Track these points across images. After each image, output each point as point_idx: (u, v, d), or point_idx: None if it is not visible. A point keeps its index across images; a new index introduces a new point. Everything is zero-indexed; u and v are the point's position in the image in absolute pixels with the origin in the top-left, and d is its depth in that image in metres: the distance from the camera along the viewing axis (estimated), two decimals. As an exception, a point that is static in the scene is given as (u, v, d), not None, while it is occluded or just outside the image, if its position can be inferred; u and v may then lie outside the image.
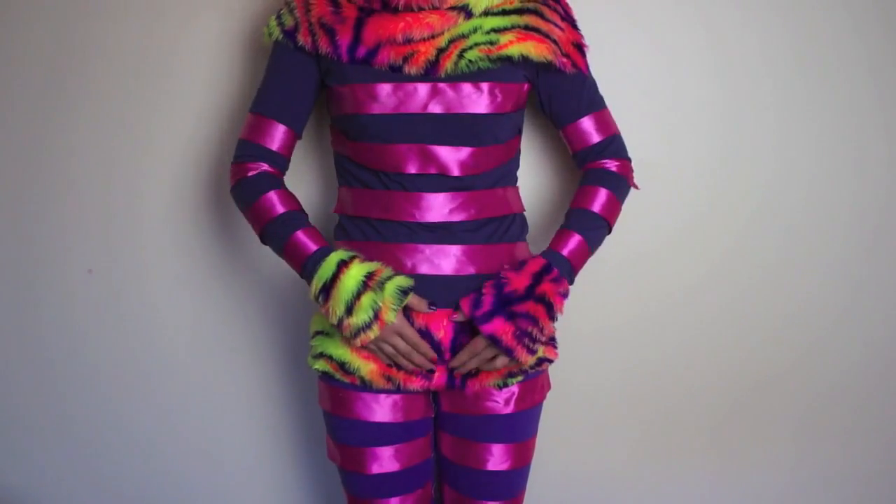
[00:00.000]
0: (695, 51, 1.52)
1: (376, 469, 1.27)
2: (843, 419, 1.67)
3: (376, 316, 1.16)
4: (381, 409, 1.26)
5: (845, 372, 1.65)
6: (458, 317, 1.21)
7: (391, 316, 1.16)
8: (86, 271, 1.61)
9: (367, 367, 1.23)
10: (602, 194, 1.28)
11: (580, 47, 1.28)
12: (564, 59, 1.25)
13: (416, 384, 1.24)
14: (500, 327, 1.17)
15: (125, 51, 1.54)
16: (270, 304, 1.62)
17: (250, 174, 1.26)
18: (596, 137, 1.32)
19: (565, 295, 1.21)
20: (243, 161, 1.27)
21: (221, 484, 1.69)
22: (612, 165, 1.32)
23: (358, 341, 1.17)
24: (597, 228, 1.28)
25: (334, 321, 1.17)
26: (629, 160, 1.36)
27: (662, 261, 1.58)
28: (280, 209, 1.23)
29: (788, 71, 1.54)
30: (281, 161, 1.28)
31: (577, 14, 1.30)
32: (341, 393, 1.27)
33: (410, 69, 1.19)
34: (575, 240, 1.25)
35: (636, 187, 1.36)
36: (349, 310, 1.15)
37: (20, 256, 1.62)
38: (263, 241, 1.27)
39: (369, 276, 1.16)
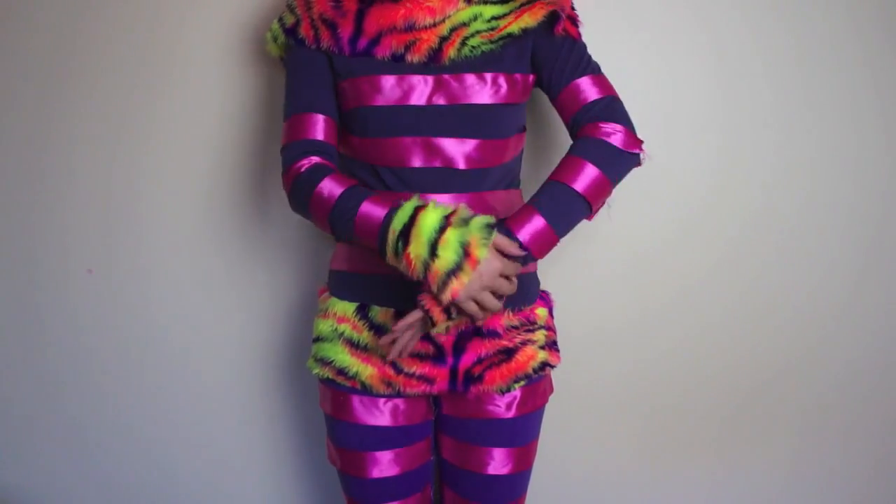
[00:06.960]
0: (695, 51, 1.52)
1: (376, 473, 1.26)
2: (843, 419, 1.67)
3: (465, 253, 1.01)
4: (382, 414, 1.25)
5: (845, 372, 1.65)
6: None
7: (482, 252, 1.00)
8: (86, 271, 1.61)
9: (366, 372, 1.23)
10: (589, 170, 1.12)
11: (573, 20, 1.25)
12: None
13: (416, 389, 1.23)
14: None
15: (125, 51, 1.54)
16: (271, 304, 1.61)
17: (303, 170, 1.14)
18: (593, 95, 1.19)
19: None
20: (291, 162, 1.16)
21: (222, 484, 1.69)
22: (609, 129, 1.15)
23: (448, 293, 1.00)
24: (571, 212, 1.12)
25: (419, 268, 1.01)
26: (632, 128, 1.19)
27: (662, 261, 1.58)
28: (337, 191, 1.10)
29: (788, 71, 1.53)
30: (331, 150, 1.19)
31: (578, 14, 1.28)
32: (342, 396, 1.26)
33: (413, 57, 1.18)
34: (537, 224, 1.09)
35: (641, 156, 1.19)
36: (433, 249, 1.00)
37: (20, 256, 1.62)
38: (335, 234, 1.14)
39: (449, 215, 1.02)
